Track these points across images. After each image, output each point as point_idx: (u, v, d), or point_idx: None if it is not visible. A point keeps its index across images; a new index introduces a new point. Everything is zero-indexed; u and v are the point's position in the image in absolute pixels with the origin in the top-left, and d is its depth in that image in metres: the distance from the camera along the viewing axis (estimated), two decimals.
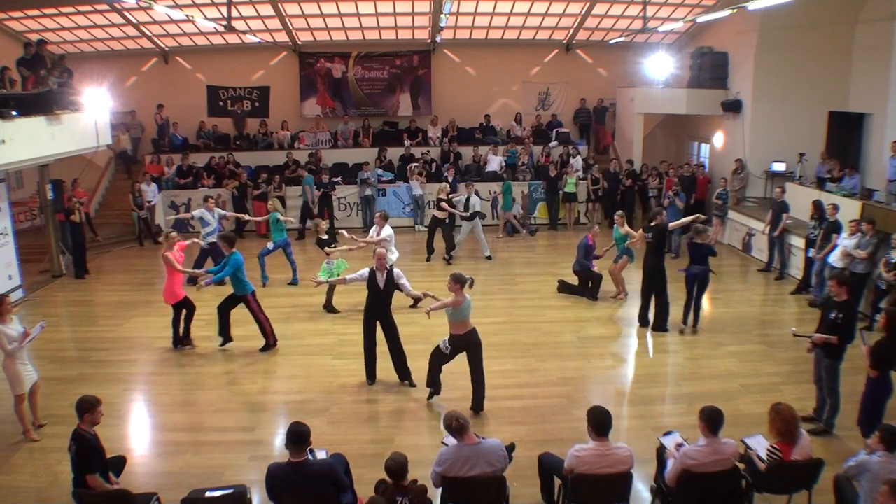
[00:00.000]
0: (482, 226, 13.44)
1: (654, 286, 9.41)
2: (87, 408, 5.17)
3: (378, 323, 7.79)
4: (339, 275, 9.68)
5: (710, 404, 5.02)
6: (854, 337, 6.58)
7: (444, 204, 13.03)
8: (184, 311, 8.97)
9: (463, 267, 12.91)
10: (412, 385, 7.80)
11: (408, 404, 7.48)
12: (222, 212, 12.22)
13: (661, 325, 9.45)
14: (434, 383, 7.37)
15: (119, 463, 5.64)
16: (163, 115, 17.19)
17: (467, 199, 13.07)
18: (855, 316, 6.72)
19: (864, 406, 6.22)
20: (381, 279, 7.67)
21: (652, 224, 9.46)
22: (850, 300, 6.60)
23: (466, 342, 7.01)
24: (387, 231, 10.44)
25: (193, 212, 12.41)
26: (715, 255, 9.45)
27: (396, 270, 7.98)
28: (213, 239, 10.99)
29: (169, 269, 8.80)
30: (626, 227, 10.58)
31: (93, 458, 5.13)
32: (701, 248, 9.24)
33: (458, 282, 6.87)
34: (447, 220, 13.24)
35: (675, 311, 9.53)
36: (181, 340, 9.05)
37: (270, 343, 8.95)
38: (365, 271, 7.79)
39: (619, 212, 10.96)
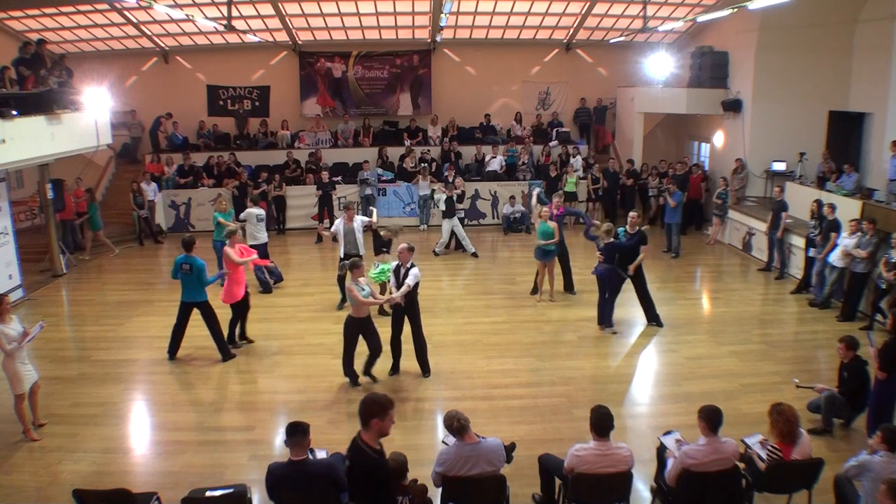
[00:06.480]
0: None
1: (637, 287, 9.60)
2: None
3: (405, 315, 7.88)
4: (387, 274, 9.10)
5: (710, 403, 5.01)
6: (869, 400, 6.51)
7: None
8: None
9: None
10: (426, 375, 8.00)
11: (408, 404, 7.47)
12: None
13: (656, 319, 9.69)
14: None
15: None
16: (172, 124, 17.33)
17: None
18: (863, 372, 6.55)
19: (873, 408, 6.20)
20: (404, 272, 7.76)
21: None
22: (857, 357, 6.56)
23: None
24: (336, 224, 10.19)
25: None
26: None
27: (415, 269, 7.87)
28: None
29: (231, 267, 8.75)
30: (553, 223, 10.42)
31: None
32: (610, 247, 9.24)
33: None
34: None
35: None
36: (242, 337, 9.11)
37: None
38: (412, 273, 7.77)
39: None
